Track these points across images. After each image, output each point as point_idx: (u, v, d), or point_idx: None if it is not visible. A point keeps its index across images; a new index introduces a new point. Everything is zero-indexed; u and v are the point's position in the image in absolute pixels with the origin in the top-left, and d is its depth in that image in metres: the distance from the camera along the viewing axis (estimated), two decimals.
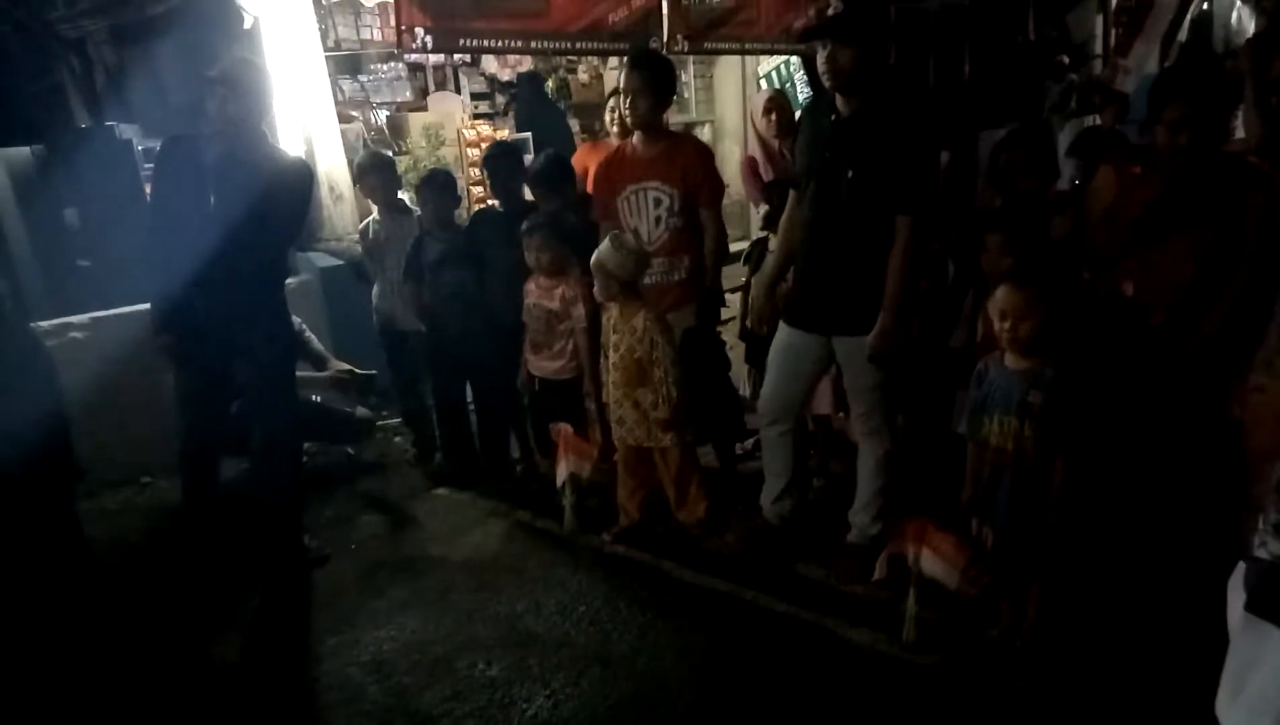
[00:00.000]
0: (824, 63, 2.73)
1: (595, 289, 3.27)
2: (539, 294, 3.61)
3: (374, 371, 4.23)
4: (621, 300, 3.22)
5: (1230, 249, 2.59)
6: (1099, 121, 6.11)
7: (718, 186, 3.49)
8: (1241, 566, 1.08)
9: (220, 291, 3.05)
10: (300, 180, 3.20)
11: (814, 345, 3.03)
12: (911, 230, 2.76)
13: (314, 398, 4.06)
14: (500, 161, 3.93)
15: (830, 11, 2.79)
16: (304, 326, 4.19)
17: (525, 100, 7.00)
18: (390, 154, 5.00)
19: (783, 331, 3.12)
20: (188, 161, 3.04)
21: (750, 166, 4.37)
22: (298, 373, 3.87)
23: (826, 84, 2.79)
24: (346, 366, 4.25)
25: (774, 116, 4.30)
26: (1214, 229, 2.59)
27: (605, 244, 3.18)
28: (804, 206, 2.98)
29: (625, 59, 3.56)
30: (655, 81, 3.32)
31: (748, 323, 3.70)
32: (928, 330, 3.19)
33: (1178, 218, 2.65)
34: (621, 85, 3.38)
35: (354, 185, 4.97)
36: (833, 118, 2.82)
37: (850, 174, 2.77)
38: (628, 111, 3.38)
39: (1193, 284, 2.63)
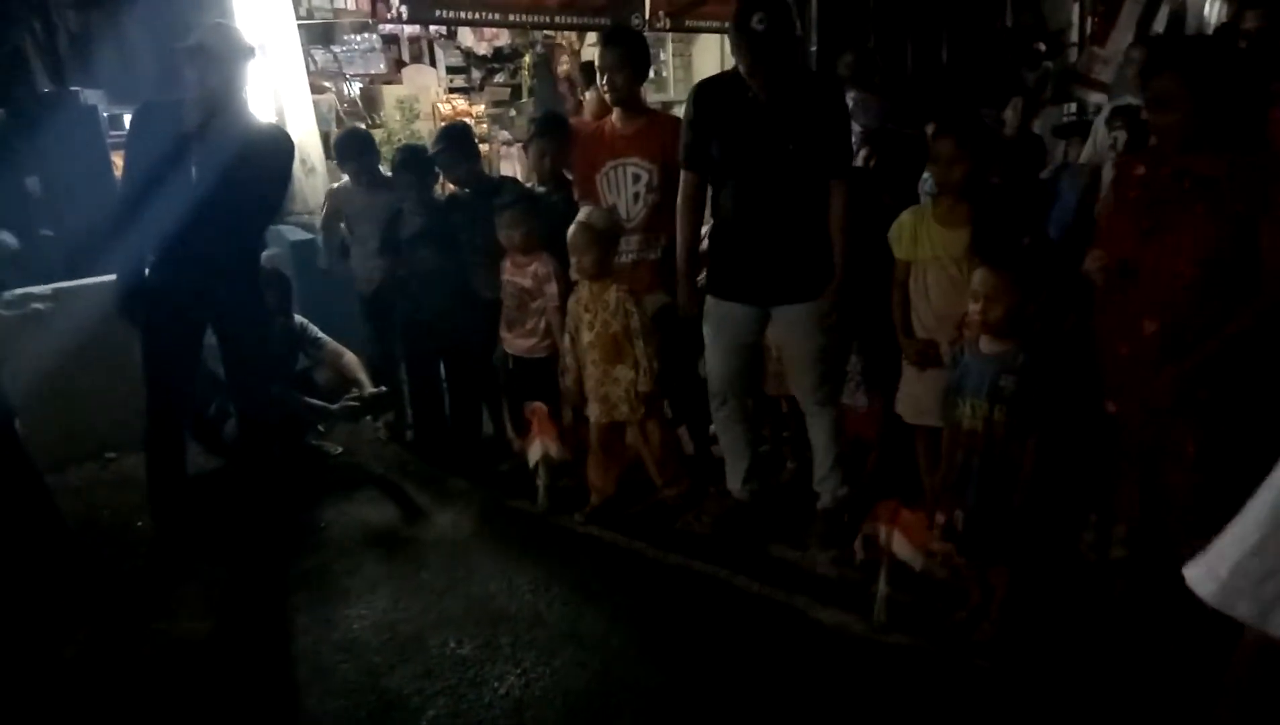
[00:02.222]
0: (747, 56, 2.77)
1: (574, 263, 3.25)
2: (513, 271, 3.59)
3: (384, 388, 4.14)
4: (593, 277, 3.22)
5: (1240, 253, 2.28)
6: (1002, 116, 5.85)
7: None
8: None
9: (198, 263, 3.00)
10: (282, 150, 3.16)
11: (749, 316, 3.06)
12: (846, 193, 2.90)
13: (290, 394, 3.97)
14: (445, 154, 3.84)
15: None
16: (307, 323, 4.13)
17: (544, 77, 7.08)
18: (365, 127, 4.92)
19: (714, 308, 3.12)
20: (164, 129, 2.96)
21: None
22: (311, 401, 3.96)
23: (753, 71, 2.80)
24: (355, 392, 4.11)
25: None
26: (1217, 225, 2.29)
27: (585, 209, 3.23)
28: (727, 186, 2.99)
29: (599, 37, 3.54)
30: (631, 57, 3.31)
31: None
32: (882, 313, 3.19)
33: (1173, 207, 2.39)
34: (598, 63, 3.35)
35: (328, 160, 4.90)
36: (749, 96, 2.84)
37: (791, 148, 2.84)
38: (605, 89, 3.35)
39: (1192, 288, 2.33)
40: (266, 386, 3.42)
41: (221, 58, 2.92)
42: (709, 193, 3.10)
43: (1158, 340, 2.39)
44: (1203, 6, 7.25)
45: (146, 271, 3.10)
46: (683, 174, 3.10)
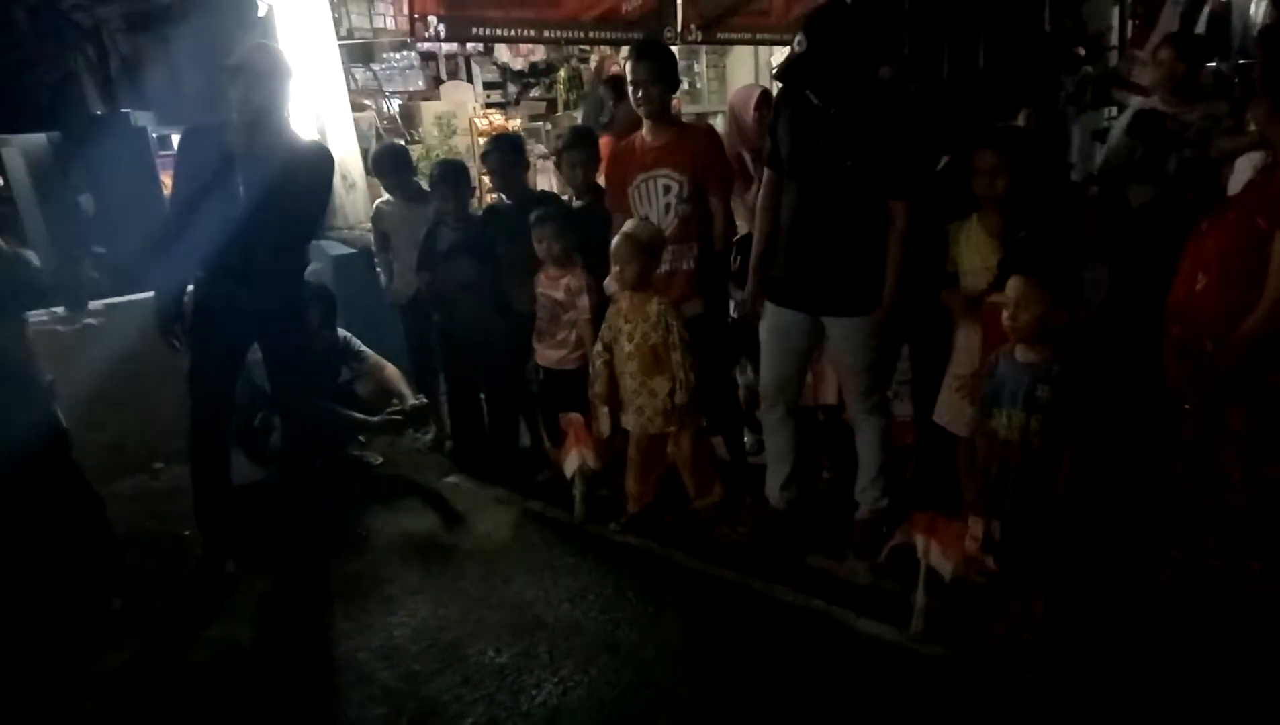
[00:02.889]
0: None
1: (614, 275, 3.28)
2: (546, 283, 3.64)
3: (425, 400, 4.20)
4: (634, 288, 3.24)
5: (1252, 268, 2.23)
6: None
7: (727, 174, 3.49)
8: None
9: (245, 279, 3.06)
10: (324, 167, 3.22)
11: (804, 323, 3.08)
12: (908, 214, 2.85)
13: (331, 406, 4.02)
14: (494, 157, 3.93)
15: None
16: (350, 337, 4.21)
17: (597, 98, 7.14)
18: (404, 143, 5.02)
19: (771, 312, 3.15)
20: (210, 151, 3.04)
21: (738, 165, 4.10)
22: (353, 413, 4.03)
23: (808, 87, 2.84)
24: (397, 403, 4.18)
25: (764, 112, 4.19)
26: (1236, 233, 2.28)
27: (630, 221, 3.26)
28: (791, 191, 3.00)
29: (629, 51, 3.57)
30: (663, 70, 3.35)
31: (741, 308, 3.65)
32: (935, 323, 3.18)
33: (1222, 210, 2.42)
34: (630, 77, 3.38)
35: (368, 175, 5.03)
36: (817, 105, 2.86)
37: (850, 163, 2.83)
38: (638, 102, 3.38)
39: (1204, 294, 2.33)
40: (310, 399, 3.49)
41: (264, 76, 2.99)
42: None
43: (1178, 344, 2.39)
44: (1248, 7, 7.11)
45: (191, 288, 3.17)
46: (765, 172, 3.13)
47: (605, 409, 3.56)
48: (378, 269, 4.43)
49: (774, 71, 3.17)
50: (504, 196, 4.06)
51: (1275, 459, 2.27)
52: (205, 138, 3.12)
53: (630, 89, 3.40)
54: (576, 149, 3.82)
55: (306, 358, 3.43)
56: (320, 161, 3.21)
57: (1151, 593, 2.63)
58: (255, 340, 3.27)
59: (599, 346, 3.41)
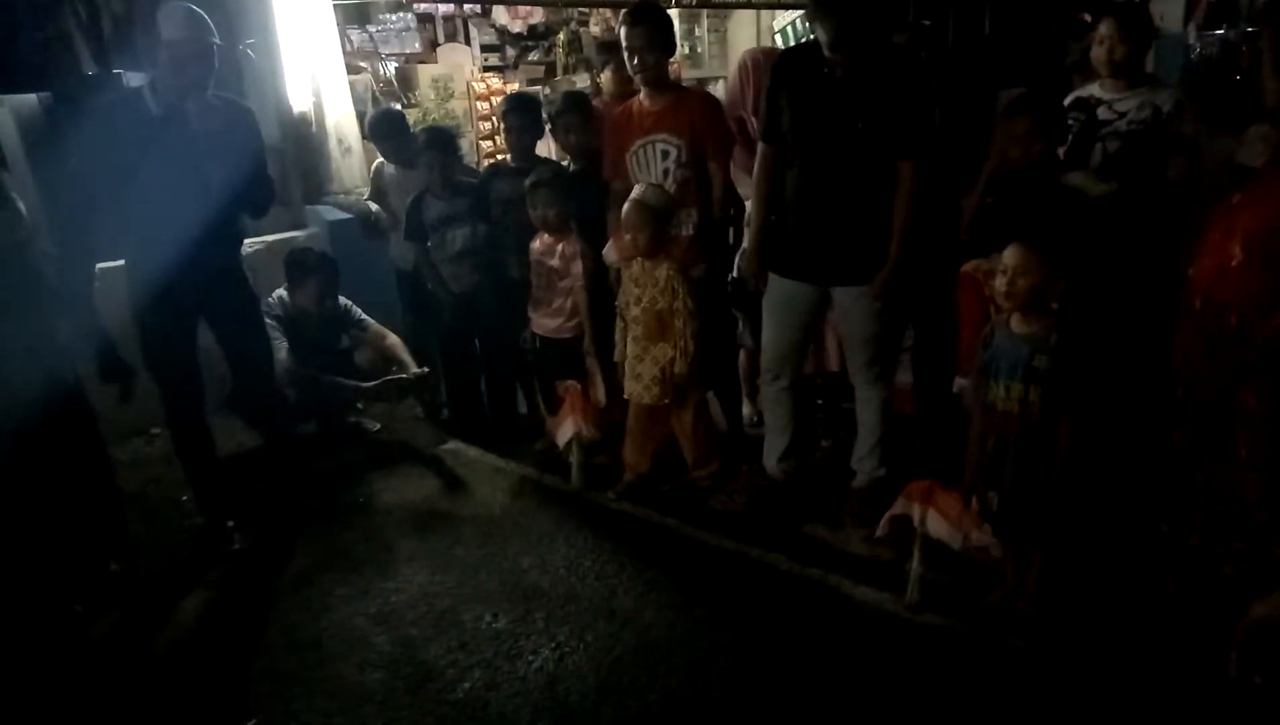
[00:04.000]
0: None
1: (624, 242, 3.25)
2: (541, 250, 3.60)
3: (427, 369, 4.15)
4: (647, 253, 3.21)
5: None
6: None
7: (725, 138, 3.45)
8: None
9: (182, 254, 2.91)
10: (248, 123, 3.12)
11: (809, 295, 3.06)
12: (914, 173, 2.82)
13: (321, 376, 3.94)
14: (516, 115, 3.89)
15: None
16: (351, 305, 4.18)
17: None
18: (400, 107, 4.96)
19: (776, 284, 3.11)
20: (129, 121, 2.91)
21: (738, 129, 3.87)
22: (342, 381, 3.97)
23: (824, 40, 2.78)
24: (397, 370, 4.12)
25: None
26: (1266, 206, 2.18)
27: (638, 187, 3.23)
28: (796, 160, 2.96)
29: (623, 16, 3.50)
30: (659, 34, 3.29)
31: (738, 277, 3.59)
32: (937, 292, 3.16)
33: (1260, 181, 2.30)
34: (624, 43, 3.32)
35: (364, 140, 4.97)
36: (824, 71, 2.81)
37: (861, 126, 2.79)
38: (635, 68, 3.33)
39: (1240, 271, 2.20)
40: (269, 378, 3.43)
41: (196, 47, 2.86)
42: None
43: (1201, 318, 2.34)
44: None
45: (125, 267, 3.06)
46: (760, 146, 3.09)
47: (601, 377, 3.55)
48: (381, 227, 4.38)
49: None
50: (510, 157, 4.01)
51: None
52: (121, 107, 3.00)
53: (625, 55, 3.34)
54: (570, 113, 3.78)
55: (259, 337, 3.36)
56: (243, 118, 3.10)
57: (1146, 566, 2.64)
58: (200, 314, 3.17)
59: (619, 322, 3.38)
